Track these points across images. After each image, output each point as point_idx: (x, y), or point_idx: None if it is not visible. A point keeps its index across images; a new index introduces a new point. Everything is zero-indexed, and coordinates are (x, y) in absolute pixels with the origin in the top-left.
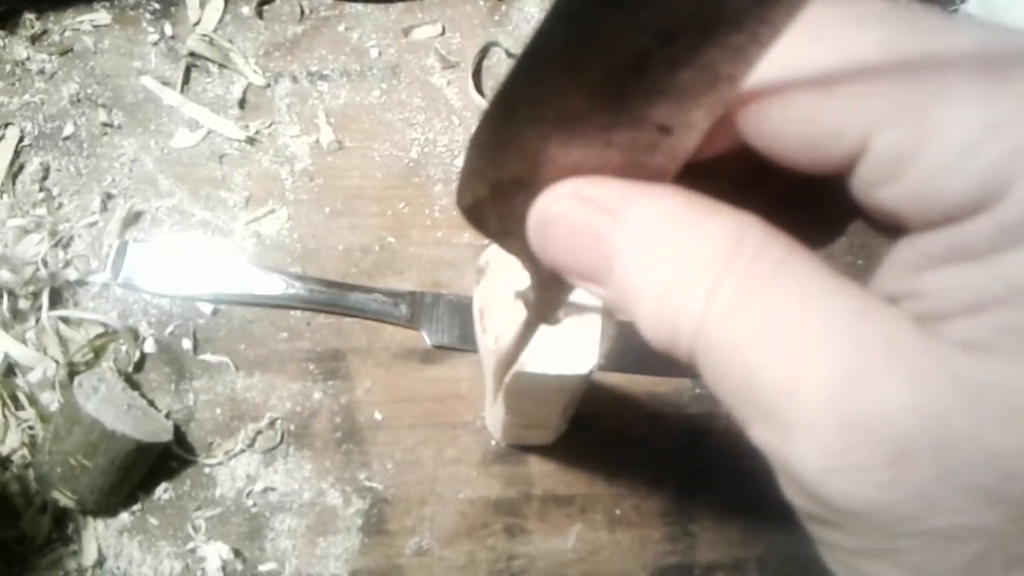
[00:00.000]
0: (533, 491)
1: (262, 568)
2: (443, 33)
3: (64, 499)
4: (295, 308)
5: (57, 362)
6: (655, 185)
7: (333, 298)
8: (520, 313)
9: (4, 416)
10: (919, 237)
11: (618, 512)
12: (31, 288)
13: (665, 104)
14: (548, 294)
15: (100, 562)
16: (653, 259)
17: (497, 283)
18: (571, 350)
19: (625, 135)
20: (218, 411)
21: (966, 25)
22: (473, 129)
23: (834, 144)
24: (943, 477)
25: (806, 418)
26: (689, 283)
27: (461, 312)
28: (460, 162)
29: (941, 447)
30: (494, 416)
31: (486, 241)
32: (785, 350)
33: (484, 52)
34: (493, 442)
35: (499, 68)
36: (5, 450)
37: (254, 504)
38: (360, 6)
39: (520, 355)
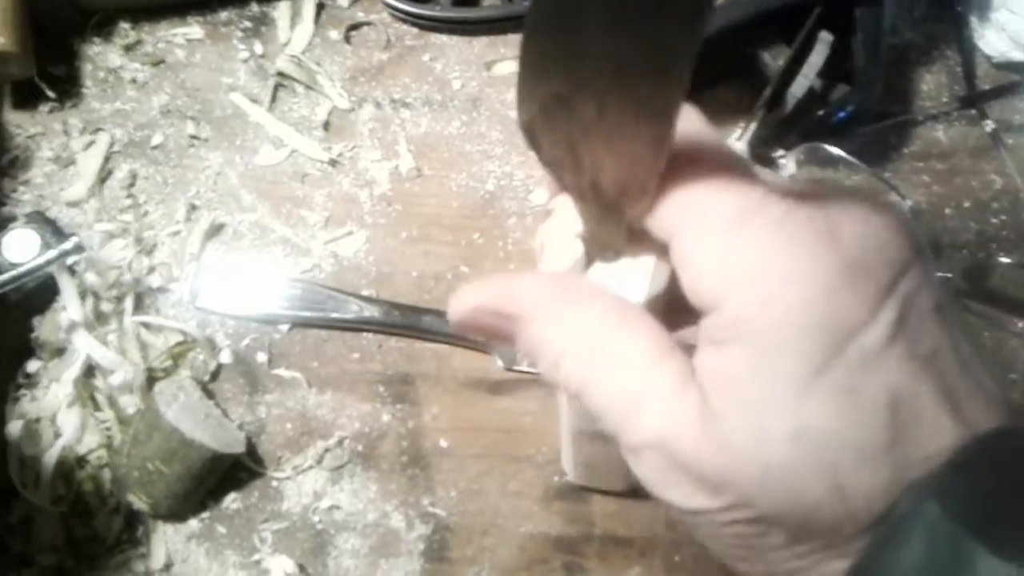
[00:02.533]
0: (594, 530)
1: None
2: None
3: (139, 503)
4: (368, 330)
5: (137, 366)
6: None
7: (407, 320)
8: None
9: (83, 416)
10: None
11: (677, 559)
12: (115, 292)
13: None
14: (602, 228)
15: (167, 566)
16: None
17: (561, 224)
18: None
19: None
20: (288, 426)
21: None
22: None
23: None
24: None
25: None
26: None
27: None
28: (535, 197)
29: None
30: (566, 450)
31: None
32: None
33: None
34: (556, 478)
35: None
36: (83, 449)
37: (319, 521)
38: (445, 37)
39: None
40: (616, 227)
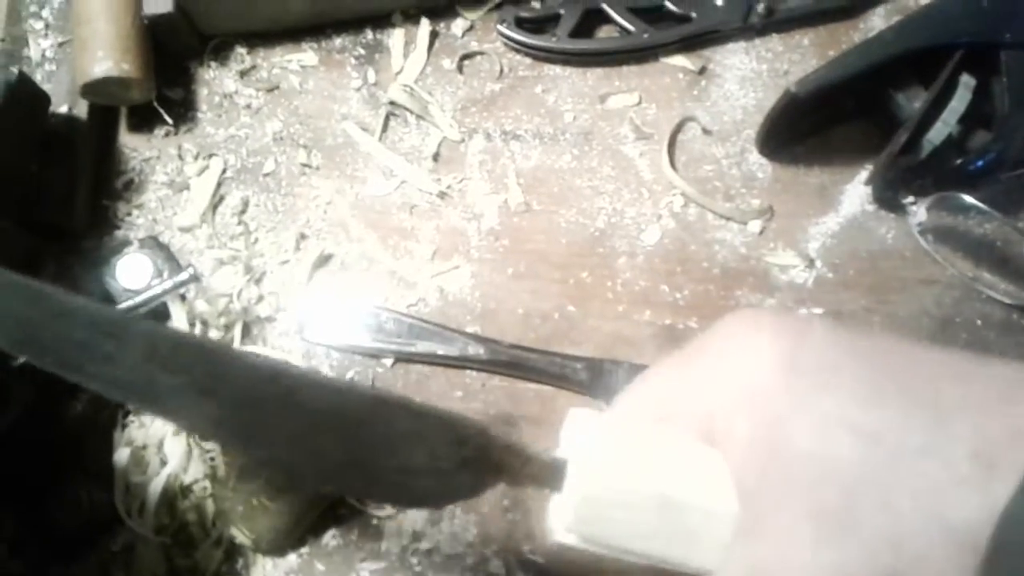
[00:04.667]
0: None
1: None
2: (639, 103)
3: (242, 536)
4: (472, 368)
5: None
6: None
7: (512, 358)
8: None
9: (189, 445)
10: None
11: None
12: (223, 320)
13: None
14: None
15: None
16: None
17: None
18: None
19: None
20: None
21: None
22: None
23: None
24: None
25: None
26: None
27: None
28: (646, 236)
29: None
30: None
31: (667, 321)
32: None
33: (680, 126)
34: None
35: (693, 144)
36: (188, 479)
37: (418, 563)
38: (558, 69)
39: None
40: None
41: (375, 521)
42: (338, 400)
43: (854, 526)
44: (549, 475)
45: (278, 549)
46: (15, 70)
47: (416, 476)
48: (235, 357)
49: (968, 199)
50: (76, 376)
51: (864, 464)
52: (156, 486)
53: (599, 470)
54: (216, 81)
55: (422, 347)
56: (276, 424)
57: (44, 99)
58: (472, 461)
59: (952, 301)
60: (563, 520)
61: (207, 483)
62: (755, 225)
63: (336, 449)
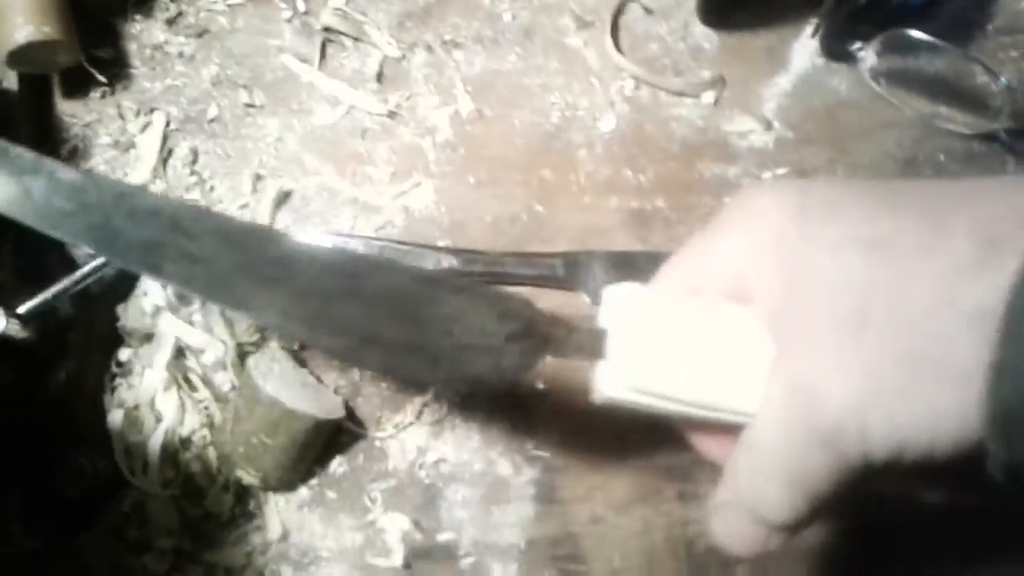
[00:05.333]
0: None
1: (440, 538)
2: None
3: (248, 477)
4: None
5: (226, 343)
6: None
7: (487, 267)
8: None
9: (181, 398)
10: None
11: None
12: None
13: None
14: None
15: (284, 536)
16: None
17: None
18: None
19: None
20: (383, 385)
21: None
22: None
23: None
24: None
25: None
26: None
27: (618, 267)
28: (602, 125)
29: None
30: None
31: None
32: None
33: (620, 8)
34: None
35: (636, 25)
36: (185, 431)
37: (427, 475)
38: None
39: None
40: None
41: (378, 443)
42: (393, 283)
43: (870, 323)
44: (592, 344)
45: (287, 484)
46: None
47: (471, 353)
48: (297, 246)
49: (916, 34)
50: (156, 274)
51: (874, 269)
52: (155, 443)
53: (644, 333)
54: (144, 34)
55: None
56: (340, 312)
57: None
58: (520, 335)
59: (913, 141)
60: (612, 381)
61: (205, 432)
62: (708, 96)
63: (396, 332)
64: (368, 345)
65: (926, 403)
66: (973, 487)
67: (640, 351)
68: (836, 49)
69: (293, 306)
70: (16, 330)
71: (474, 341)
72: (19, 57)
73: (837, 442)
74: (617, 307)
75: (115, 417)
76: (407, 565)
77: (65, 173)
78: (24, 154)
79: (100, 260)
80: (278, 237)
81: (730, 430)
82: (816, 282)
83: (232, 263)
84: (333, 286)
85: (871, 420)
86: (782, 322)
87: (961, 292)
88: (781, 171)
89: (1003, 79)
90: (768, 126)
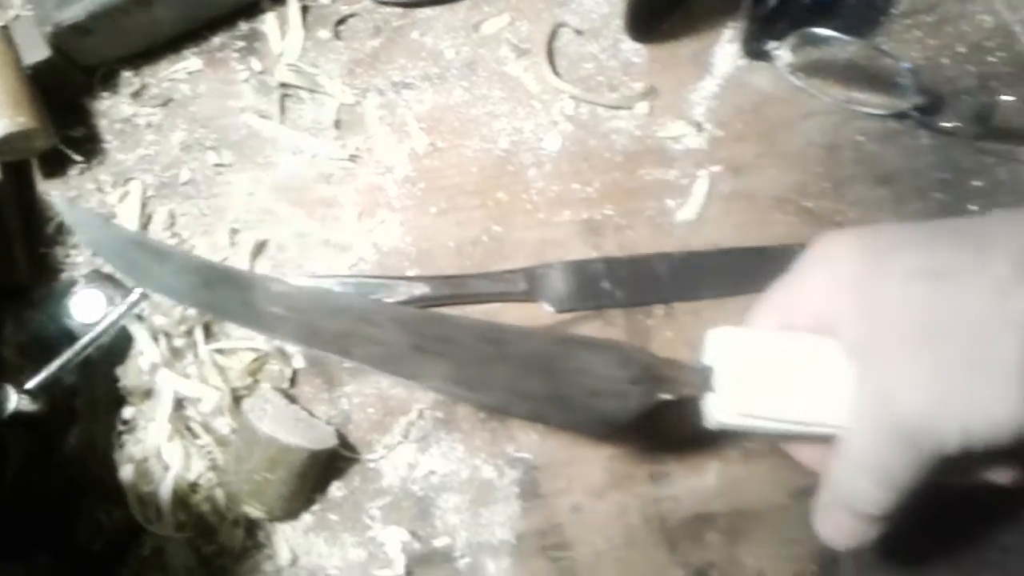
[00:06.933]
0: (668, 439)
1: (436, 543)
2: (511, 23)
3: (255, 511)
4: (421, 306)
5: (221, 390)
6: None
7: (455, 289)
8: None
9: (184, 447)
10: None
11: (749, 446)
12: (183, 327)
13: None
14: None
15: (294, 560)
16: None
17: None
18: None
19: None
20: (370, 411)
21: None
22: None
23: None
24: None
25: None
26: None
27: (574, 276)
28: (548, 144)
29: None
30: None
31: (585, 215)
32: None
33: (553, 34)
34: None
35: (569, 47)
36: (192, 476)
37: (419, 488)
38: (429, 10)
39: None
40: None
41: (371, 465)
42: (533, 345)
43: (935, 337)
44: (701, 380)
45: (291, 513)
46: None
47: (601, 399)
48: (458, 322)
49: (823, 31)
50: (347, 357)
51: (934, 293)
52: (165, 490)
53: (745, 367)
54: (112, 109)
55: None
56: (494, 374)
57: None
58: (640, 378)
59: (833, 126)
60: (722, 410)
61: (211, 474)
62: (643, 107)
63: (539, 387)
64: (516, 399)
65: (987, 399)
66: None
67: (743, 382)
68: (755, 49)
69: (455, 373)
70: (27, 404)
71: (602, 387)
72: None
73: (917, 440)
74: (719, 346)
75: (126, 471)
76: (408, 572)
77: (276, 285)
78: (241, 274)
79: (96, 330)
80: (441, 320)
81: (823, 441)
82: (888, 308)
83: (406, 343)
84: (485, 353)
85: (943, 418)
86: (863, 346)
87: (1006, 304)
88: (716, 168)
89: (905, 64)
90: (700, 128)
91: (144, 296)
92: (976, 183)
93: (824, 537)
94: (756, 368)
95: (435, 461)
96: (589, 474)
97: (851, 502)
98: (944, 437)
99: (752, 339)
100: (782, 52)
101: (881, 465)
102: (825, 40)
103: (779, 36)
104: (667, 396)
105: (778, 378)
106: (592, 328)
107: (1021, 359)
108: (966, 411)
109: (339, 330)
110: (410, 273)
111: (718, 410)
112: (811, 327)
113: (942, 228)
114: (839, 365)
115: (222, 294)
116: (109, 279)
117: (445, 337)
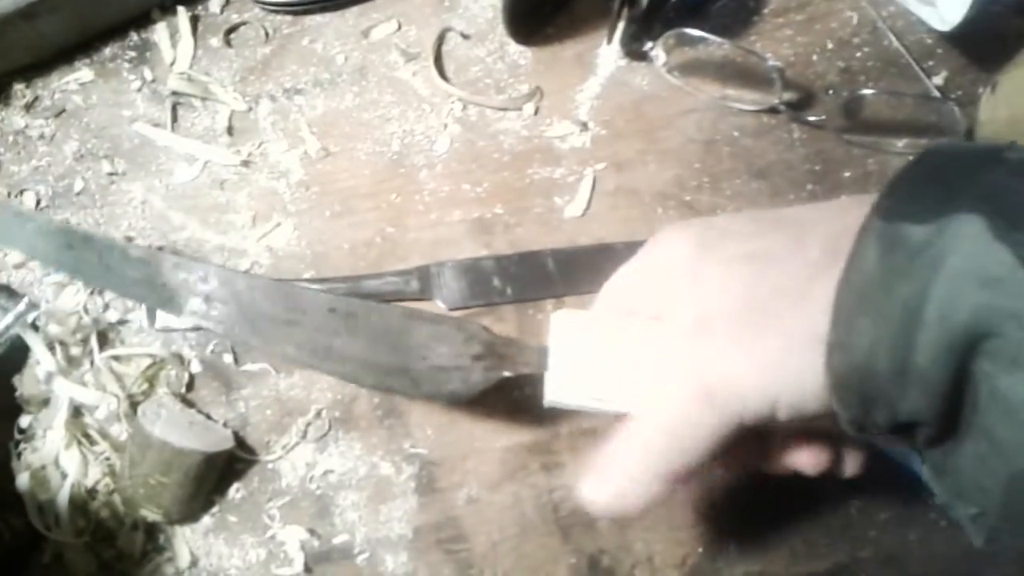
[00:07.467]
0: (561, 430)
1: (336, 541)
2: (399, 28)
3: (151, 515)
4: None
5: (117, 397)
6: None
7: (349, 289)
8: None
9: (82, 453)
10: None
11: None
12: (79, 335)
13: None
14: None
15: (194, 563)
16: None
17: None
18: None
19: None
20: (268, 412)
21: None
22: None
23: None
24: None
25: None
26: None
27: (465, 273)
28: (438, 146)
29: None
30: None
31: (476, 215)
32: None
33: (441, 39)
34: (515, 393)
35: (457, 51)
36: (90, 482)
37: (317, 487)
38: (319, 17)
39: None
40: None
41: (270, 465)
42: (381, 319)
43: (750, 314)
44: (539, 360)
45: (189, 515)
46: None
47: (445, 373)
48: (308, 294)
49: (694, 32)
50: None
51: (753, 275)
52: (63, 497)
53: (579, 349)
54: (5, 122)
55: None
56: (344, 345)
57: None
58: (482, 355)
59: (710, 123)
60: (554, 389)
61: (108, 480)
62: (529, 108)
63: (385, 358)
64: (365, 371)
65: (792, 371)
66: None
67: (575, 364)
68: (634, 50)
69: (307, 341)
70: None
71: (447, 363)
72: None
73: (718, 404)
74: (559, 328)
75: (23, 479)
76: (308, 570)
77: (134, 250)
78: (100, 237)
79: None
80: (292, 290)
81: None
82: (711, 289)
83: (262, 312)
84: (335, 325)
85: (746, 385)
86: (686, 326)
87: (816, 286)
88: (600, 166)
89: (773, 62)
90: (584, 127)
91: (33, 306)
92: (847, 174)
93: (592, 499)
94: (587, 350)
95: (333, 460)
96: (484, 467)
97: (639, 459)
98: (747, 404)
99: (590, 322)
100: (658, 52)
101: (680, 425)
102: (698, 40)
103: (654, 37)
104: (507, 373)
105: (606, 360)
106: (484, 323)
107: (824, 333)
108: (776, 379)
109: (180, 286)
110: (305, 276)
111: (549, 389)
112: (649, 312)
113: (767, 217)
114: (666, 347)
115: (83, 256)
116: (4, 289)
117: (297, 307)
